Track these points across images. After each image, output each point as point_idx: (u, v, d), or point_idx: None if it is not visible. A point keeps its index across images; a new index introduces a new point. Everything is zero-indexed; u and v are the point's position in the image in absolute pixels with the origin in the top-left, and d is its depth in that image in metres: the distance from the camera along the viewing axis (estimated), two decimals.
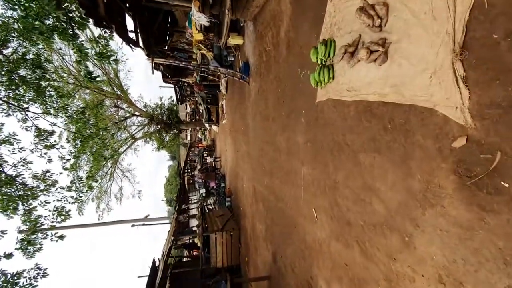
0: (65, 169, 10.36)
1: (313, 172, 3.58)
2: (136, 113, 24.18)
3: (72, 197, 11.35)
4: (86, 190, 11.86)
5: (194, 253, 11.34)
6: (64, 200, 11.17)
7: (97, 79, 8.80)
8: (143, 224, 20.62)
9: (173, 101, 26.68)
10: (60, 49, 17.65)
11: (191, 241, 10.88)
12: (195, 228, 14.90)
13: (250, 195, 7.58)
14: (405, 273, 2.11)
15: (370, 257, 2.51)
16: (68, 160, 11.98)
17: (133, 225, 25.45)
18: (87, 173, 13.76)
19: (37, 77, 12.42)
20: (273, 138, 5.34)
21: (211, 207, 17.48)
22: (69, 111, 13.58)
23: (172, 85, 18.71)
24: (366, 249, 2.56)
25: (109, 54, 6.78)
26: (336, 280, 3.07)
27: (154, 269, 9.81)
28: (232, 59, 9.47)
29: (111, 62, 8.05)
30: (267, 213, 5.82)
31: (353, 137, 2.67)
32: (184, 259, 14.46)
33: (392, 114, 2.20)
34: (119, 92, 22.45)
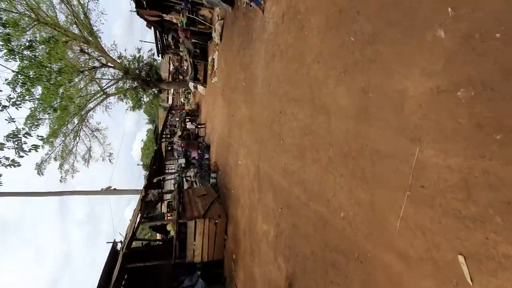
0: None
1: (475, 163, 1.38)
2: (109, 64, 20.56)
3: (7, 158, 8.64)
4: (29, 150, 9.09)
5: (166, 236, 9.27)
6: None
7: None
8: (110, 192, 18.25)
9: (153, 54, 23.02)
10: None
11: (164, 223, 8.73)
12: (169, 199, 12.76)
13: (249, 178, 5.40)
14: None
15: None
16: (5, 107, 9.08)
17: (101, 189, 23.04)
18: (26, 127, 10.86)
19: None
20: (315, 91, 3.04)
21: (190, 179, 15.28)
22: (12, 43, 10.25)
23: (152, 29, 15.33)
24: None
25: None
26: None
27: (113, 254, 7.67)
28: None
29: None
30: (284, 212, 3.69)
31: None
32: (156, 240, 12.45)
33: None
34: (88, 36, 18.62)
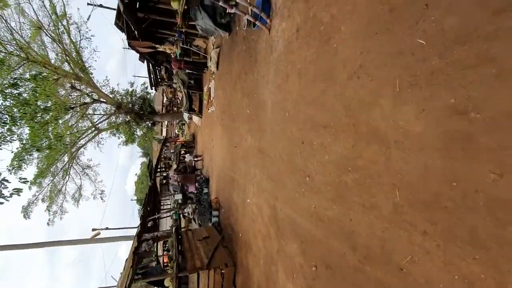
0: None
1: None
2: (101, 99, 20.05)
3: None
4: (11, 195, 8.06)
5: None
6: None
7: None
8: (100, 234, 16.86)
9: (146, 87, 22.76)
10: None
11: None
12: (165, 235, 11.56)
13: (262, 220, 4.53)
14: None
15: None
16: None
17: (93, 229, 21.65)
18: (10, 168, 9.90)
19: None
20: (356, 115, 2.34)
21: (187, 216, 14.11)
22: None
23: (145, 62, 15.03)
24: None
25: None
26: None
27: None
28: (234, 10, 6.20)
29: None
30: (320, 273, 2.81)
31: None
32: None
33: None
34: (79, 73, 18.21)
